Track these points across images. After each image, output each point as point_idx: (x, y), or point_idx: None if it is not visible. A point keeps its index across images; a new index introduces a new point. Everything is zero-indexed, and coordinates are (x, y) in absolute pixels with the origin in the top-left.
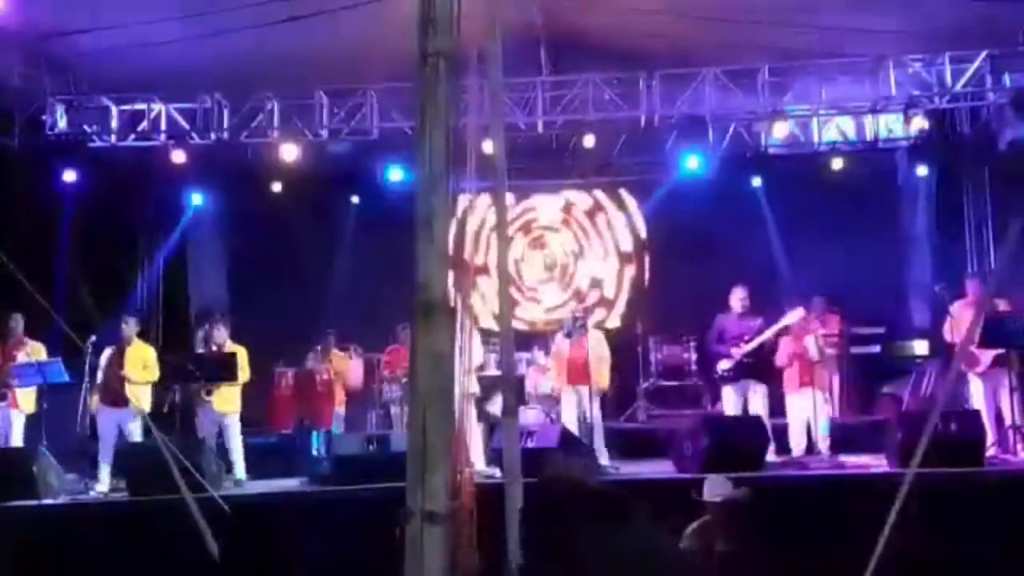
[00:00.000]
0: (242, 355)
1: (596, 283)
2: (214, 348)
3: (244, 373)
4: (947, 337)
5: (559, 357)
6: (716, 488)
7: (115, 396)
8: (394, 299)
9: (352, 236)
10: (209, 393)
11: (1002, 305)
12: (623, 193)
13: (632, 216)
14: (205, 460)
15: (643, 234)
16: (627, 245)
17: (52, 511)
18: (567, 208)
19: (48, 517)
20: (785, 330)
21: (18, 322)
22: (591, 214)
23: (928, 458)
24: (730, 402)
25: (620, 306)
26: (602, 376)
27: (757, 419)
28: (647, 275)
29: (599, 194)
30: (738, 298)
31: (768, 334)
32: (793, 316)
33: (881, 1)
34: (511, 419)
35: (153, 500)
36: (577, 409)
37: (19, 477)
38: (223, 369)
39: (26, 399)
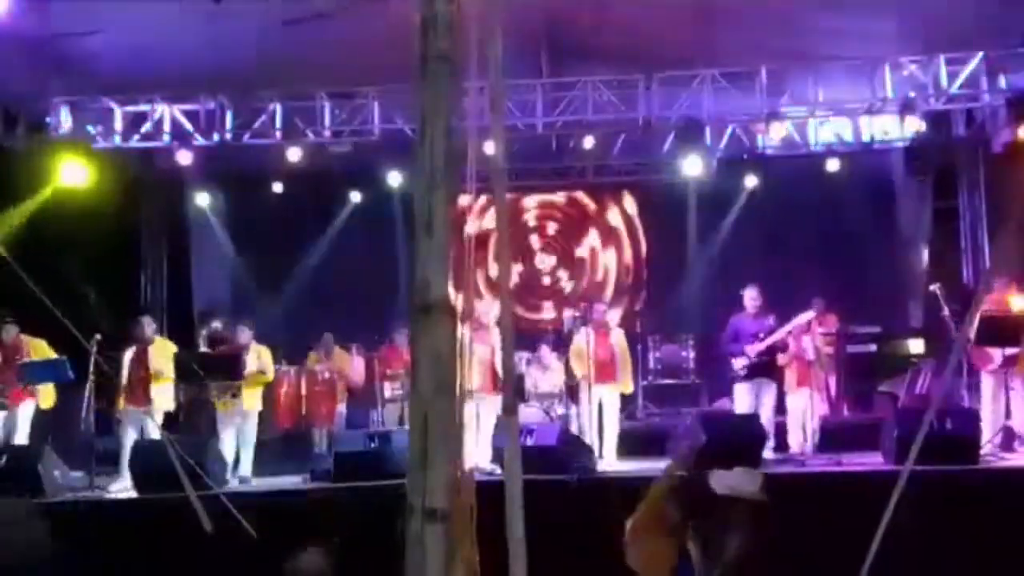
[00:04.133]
0: (266, 354)
1: (595, 282)
2: (233, 348)
3: (271, 372)
4: None
5: (580, 354)
6: (740, 481)
7: (138, 396)
8: (394, 298)
9: (353, 236)
10: (236, 395)
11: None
12: (622, 194)
13: (631, 217)
14: (210, 459)
15: (642, 235)
16: (626, 246)
17: (57, 509)
18: (566, 209)
19: (53, 515)
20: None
21: (9, 331)
22: (590, 215)
23: (923, 455)
24: (743, 400)
25: (619, 305)
26: (627, 377)
27: (754, 416)
28: (646, 275)
29: (598, 195)
30: (750, 297)
31: (781, 334)
32: (805, 317)
33: (877, 2)
34: (511, 417)
35: (158, 498)
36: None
37: (24, 474)
38: (230, 369)
39: (45, 393)
